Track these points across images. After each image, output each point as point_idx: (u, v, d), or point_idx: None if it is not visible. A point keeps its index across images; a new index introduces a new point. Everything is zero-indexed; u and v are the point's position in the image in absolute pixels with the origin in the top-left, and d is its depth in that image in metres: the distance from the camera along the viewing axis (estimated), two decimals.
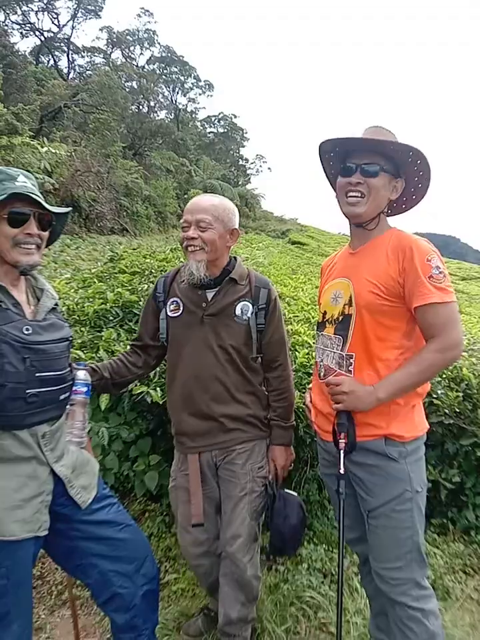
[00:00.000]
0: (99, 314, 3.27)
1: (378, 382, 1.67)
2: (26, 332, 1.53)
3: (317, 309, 2.13)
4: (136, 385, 2.53)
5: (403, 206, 1.92)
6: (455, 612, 2.43)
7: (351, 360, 1.74)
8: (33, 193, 1.56)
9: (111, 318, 3.32)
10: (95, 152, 23.07)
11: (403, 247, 1.67)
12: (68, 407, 1.73)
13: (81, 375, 1.79)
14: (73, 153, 20.91)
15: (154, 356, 2.16)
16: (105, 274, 4.34)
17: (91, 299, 3.45)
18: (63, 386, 1.65)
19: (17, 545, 1.49)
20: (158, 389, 2.56)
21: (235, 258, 2.08)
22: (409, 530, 1.68)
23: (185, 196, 28.67)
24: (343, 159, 1.79)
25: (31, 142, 19.43)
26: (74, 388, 1.75)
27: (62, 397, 1.66)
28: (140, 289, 3.69)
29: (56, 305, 1.75)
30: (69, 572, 1.90)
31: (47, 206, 1.59)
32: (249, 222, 37.31)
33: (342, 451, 1.71)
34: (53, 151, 19.85)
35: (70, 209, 1.80)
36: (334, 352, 1.82)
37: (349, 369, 1.74)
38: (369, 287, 1.71)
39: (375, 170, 1.71)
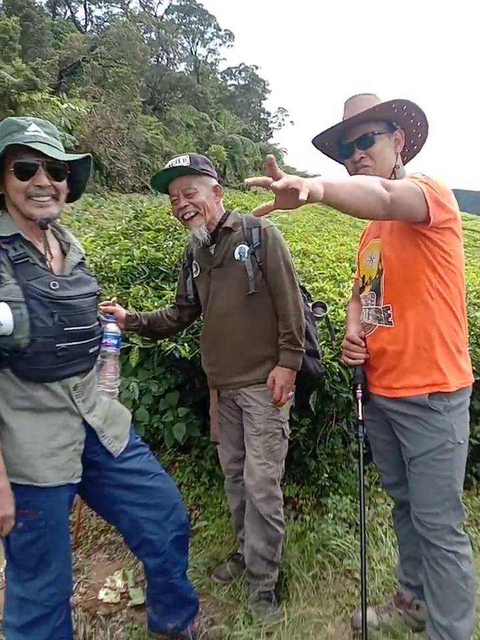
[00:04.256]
0: (126, 271, 3.28)
1: (416, 331, 1.69)
2: (53, 287, 1.51)
3: (357, 272, 2.12)
4: (165, 342, 2.57)
5: (415, 148, 1.90)
6: (478, 562, 2.49)
7: (389, 311, 1.75)
8: (35, 141, 1.46)
9: (138, 275, 3.33)
10: (115, 107, 22.66)
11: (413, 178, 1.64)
12: (99, 358, 1.75)
13: (111, 327, 1.81)
14: (93, 109, 20.59)
15: (187, 314, 2.39)
16: (130, 231, 4.34)
17: (117, 256, 3.46)
18: (91, 340, 1.65)
19: (52, 491, 1.54)
20: (186, 344, 2.60)
21: (228, 211, 2.21)
22: (447, 479, 1.71)
23: (205, 152, 28.00)
24: (339, 142, 1.82)
25: (51, 98, 19.15)
26: (104, 340, 1.76)
27: (91, 350, 1.66)
28: (165, 246, 3.69)
29: (83, 259, 1.72)
30: (102, 517, 1.98)
31: (51, 154, 1.47)
32: None
33: (359, 400, 1.90)
34: (73, 107, 19.56)
35: (87, 154, 1.67)
36: (370, 308, 1.85)
37: (389, 320, 1.75)
38: (392, 233, 1.73)
39: (369, 138, 1.73)
